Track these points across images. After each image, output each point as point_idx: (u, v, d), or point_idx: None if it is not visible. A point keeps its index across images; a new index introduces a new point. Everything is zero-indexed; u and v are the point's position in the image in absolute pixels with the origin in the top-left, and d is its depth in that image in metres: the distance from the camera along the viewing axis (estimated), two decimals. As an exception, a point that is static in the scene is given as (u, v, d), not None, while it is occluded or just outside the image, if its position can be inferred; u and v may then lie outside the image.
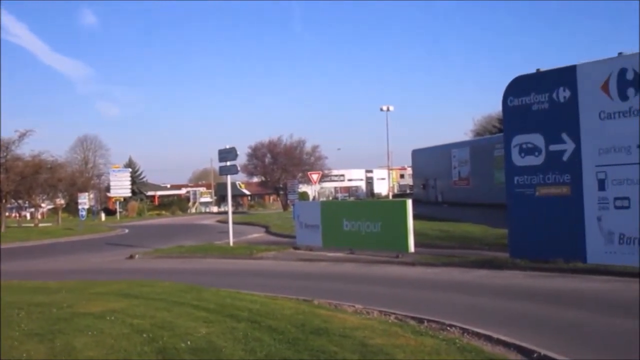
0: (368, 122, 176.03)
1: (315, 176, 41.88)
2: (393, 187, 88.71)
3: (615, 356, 8.56)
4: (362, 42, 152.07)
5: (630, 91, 15.15)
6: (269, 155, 69.46)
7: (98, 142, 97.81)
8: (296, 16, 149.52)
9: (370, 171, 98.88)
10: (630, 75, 15.16)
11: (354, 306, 12.04)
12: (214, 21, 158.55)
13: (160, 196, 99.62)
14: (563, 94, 16.47)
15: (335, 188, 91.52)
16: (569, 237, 16.32)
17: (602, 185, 15.73)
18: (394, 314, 11.15)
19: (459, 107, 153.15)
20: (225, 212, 41.29)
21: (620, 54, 15.78)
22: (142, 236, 40.71)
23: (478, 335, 9.43)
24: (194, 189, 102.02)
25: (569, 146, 16.40)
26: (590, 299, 12.72)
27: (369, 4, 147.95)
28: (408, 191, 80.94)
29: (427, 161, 61.27)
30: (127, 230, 48.95)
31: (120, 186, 79.21)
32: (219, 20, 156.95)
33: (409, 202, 20.74)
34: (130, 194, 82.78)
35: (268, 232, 37.89)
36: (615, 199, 15.50)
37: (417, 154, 65.65)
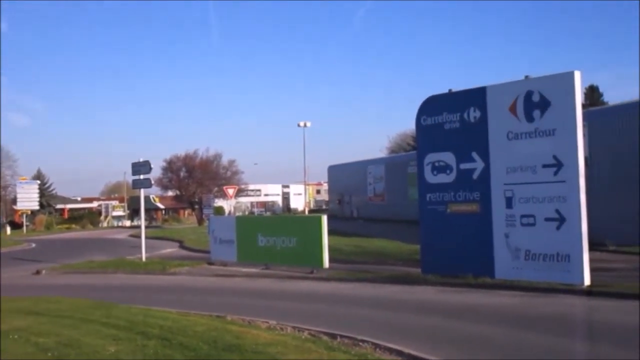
0: (285, 138, 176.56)
1: (231, 191, 41.62)
2: (309, 203, 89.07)
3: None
4: (280, 58, 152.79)
5: (536, 113, 15.77)
6: (184, 169, 68.57)
7: (5, 152, 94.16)
8: (214, 29, 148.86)
9: (287, 186, 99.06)
10: (536, 98, 15.78)
11: (267, 322, 12.00)
12: (128, 30, 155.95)
13: (71, 209, 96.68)
14: (473, 114, 16.99)
15: (251, 203, 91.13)
16: (478, 253, 16.77)
17: (509, 203, 16.27)
18: (308, 329, 11.17)
19: (374, 125, 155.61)
20: (138, 226, 40.45)
21: (527, 77, 16.41)
22: (50, 251, 39.34)
23: (390, 350, 9.55)
24: (106, 202, 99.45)
25: (478, 165, 16.90)
26: (498, 313, 13.08)
27: (286, 18, 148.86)
28: (324, 207, 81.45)
29: (343, 177, 61.89)
30: (34, 245, 47.19)
31: (28, 199, 76.31)
32: (134, 29, 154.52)
33: (324, 218, 20.86)
34: (38, 207, 79.92)
35: (182, 247, 37.31)
36: (522, 216, 16.05)
37: (333, 170, 66.24)
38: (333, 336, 10.58)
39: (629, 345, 9.75)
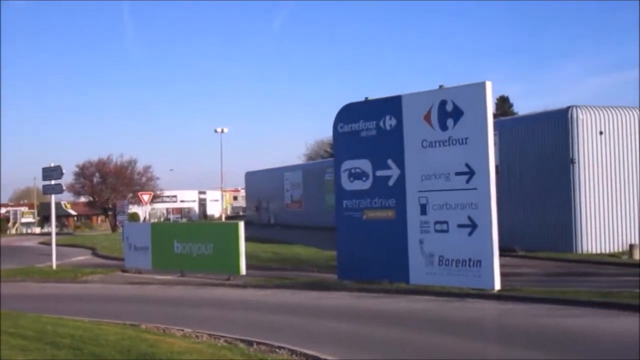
0: (202, 144, 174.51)
1: (146, 197, 40.83)
2: (226, 209, 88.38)
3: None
4: (196, 62, 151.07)
5: (450, 122, 16.16)
6: (97, 174, 66.88)
7: None
8: (128, 31, 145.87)
9: (204, 192, 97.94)
10: (449, 107, 16.18)
11: (182, 330, 11.84)
12: (40, 29, 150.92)
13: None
14: (389, 122, 17.27)
15: (167, 209, 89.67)
16: (393, 258, 17.04)
17: (424, 209, 16.60)
18: (224, 337, 11.08)
19: (292, 132, 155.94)
20: (49, 234, 39.17)
21: (441, 86, 16.81)
22: (-47, 259, 37.55)
23: (306, 356, 9.58)
24: (15, 208, 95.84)
25: (394, 172, 17.18)
26: (413, 317, 13.34)
27: (203, 21, 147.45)
28: (241, 213, 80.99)
29: (261, 183, 61.79)
30: None
31: None
32: (45, 28, 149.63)
33: (241, 224, 20.76)
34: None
35: (95, 254, 36.34)
36: (436, 222, 16.40)
37: (250, 176, 66.03)
38: (250, 343, 10.53)
39: (537, 347, 10.12)
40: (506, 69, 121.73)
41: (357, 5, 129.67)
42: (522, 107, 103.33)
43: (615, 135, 25.61)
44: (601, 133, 25.28)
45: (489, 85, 15.72)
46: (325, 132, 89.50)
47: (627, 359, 9.18)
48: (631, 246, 23.36)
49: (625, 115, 25.91)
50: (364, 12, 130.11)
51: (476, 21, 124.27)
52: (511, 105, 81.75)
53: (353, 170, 17.99)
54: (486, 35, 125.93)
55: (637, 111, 26.21)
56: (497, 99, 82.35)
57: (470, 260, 15.78)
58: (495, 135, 27.00)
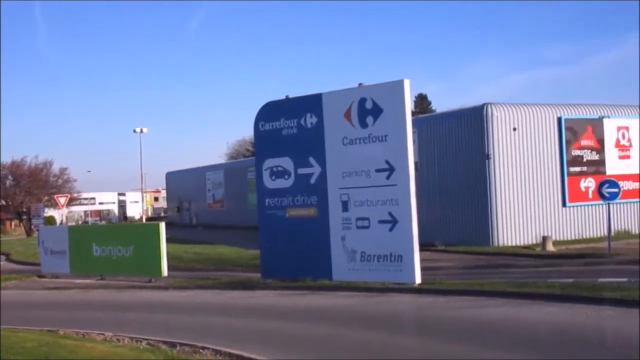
0: (121, 144, 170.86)
1: (62, 199, 39.66)
2: (147, 210, 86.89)
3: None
4: (114, 61, 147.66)
5: (369, 119, 16.38)
6: (10, 177, 64.60)
7: None
8: (41, 29, 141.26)
9: (123, 194, 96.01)
10: (369, 105, 16.40)
11: (103, 334, 11.59)
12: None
13: None
14: (310, 120, 17.37)
15: (85, 212, 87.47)
16: (316, 256, 17.14)
17: (345, 206, 16.78)
18: (146, 339, 10.91)
19: (213, 131, 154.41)
20: (-41, 240, 37.54)
21: (360, 84, 17.02)
22: None
23: (230, 355, 9.56)
24: None
25: (315, 170, 17.29)
26: (336, 313, 13.48)
27: (120, 18, 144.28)
28: (163, 214, 79.76)
29: (182, 184, 61.01)
30: None
31: None
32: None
33: (162, 225, 20.49)
34: None
35: (9, 260, 35.03)
36: (357, 219, 16.60)
37: (171, 176, 65.12)
38: (173, 345, 10.42)
39: (456, 338, 10.39)
40: (425, 67, 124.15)
41: (278, 3, 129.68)
42: (441, 104, 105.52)
43: (528, 131, 26.49)
44: (515, 129, 26.11)
45: (406, 83, 16.01)
46: (247, 130, 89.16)
47: (542, 347, 9.53)
48: (544, 238, 24.23)
49: (538, 112, 26.83)
50: (285, 10, 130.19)
51: (395, 20, 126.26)
52: (430, 103, 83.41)
53: (275, 169, 18.00)
54: (406, 34, 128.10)
55: (550, 108, 27.20)
56: (416, 97, 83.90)
57: (391, 255, 16.05)
58: (414, 132, 27.59)
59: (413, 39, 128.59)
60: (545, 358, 8.92)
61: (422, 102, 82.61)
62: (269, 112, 18.30)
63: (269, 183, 18.15)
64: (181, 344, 10.38)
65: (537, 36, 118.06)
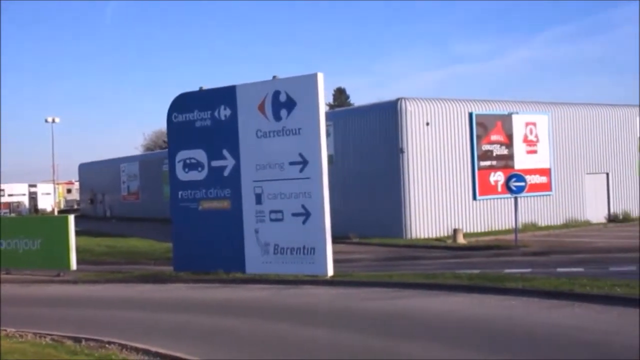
0: (32, 134, 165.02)
1: (-33, 191, 38.09)
2: (59, 203, 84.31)
3: (271, 357, 9.20)
4: (23, 50, 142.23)
5: (283, 112, 16.39)
6: None
7: None
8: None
9: (34, 185, 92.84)
10: (283, 98, 16.40)
11: (5, 330, 11.19)
12: None
13: None
14: (224, 112, 17.23)
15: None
16: (229, 248, 17.06)
17: (259, 199, 16.75)
18: (50, 335, 10.62)
19: (129, 122, 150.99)
20: None
21: (274, 77, 17.00)
22: None
23: (137, 349, 9.40)
24: None
25: (229, 162, 17.18)
26: (249, 306, 13.46)
27: (33, 6, 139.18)
28: (76, 206, 77.62)
29: (96, 175, 59.53)
30: None
31: None
32: None
33: (71, 218, 19.92)
34: None
35: None
36: (271, 212, 16.61)
37: (84, 168, 63.47)
38: (78, 340, 10.17)
39: (366, 328, 10.56)
40: (346, 62, 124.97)
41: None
42: (360, 98, 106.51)
43: (441, 126, 27.09)
44: (428, 124, 26.65)
45: (320, 77, 16.09)
46: (164, 122, 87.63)
47: (447, 336, 9.79)
48: (455, 230, 24.87)
49: (450, 108, 27.47)
50: (199, 1, 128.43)
51: (316, 14, 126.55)
52: (348, 97, 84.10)
53: (188, 161, 17.79)
54: (327, 29, 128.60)
55: (462, 104, 27.88)
56: (334, 91, 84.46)
57: (304, 247, 16.15)
58: (329, 125, 27.83)
59: (334, 34, 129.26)
60: (449, 346, 9.17)
61: (340, 95, 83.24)
62: (183, 103, 18.05)
63: (182, 175, 17.93)
64: (86, 339, 10.15)
65: (452, 33, 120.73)
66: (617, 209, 31.38)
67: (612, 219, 30.94)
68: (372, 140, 27.74)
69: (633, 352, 8.29)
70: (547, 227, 28.24)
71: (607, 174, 31.50)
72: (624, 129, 32.32)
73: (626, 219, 30.63)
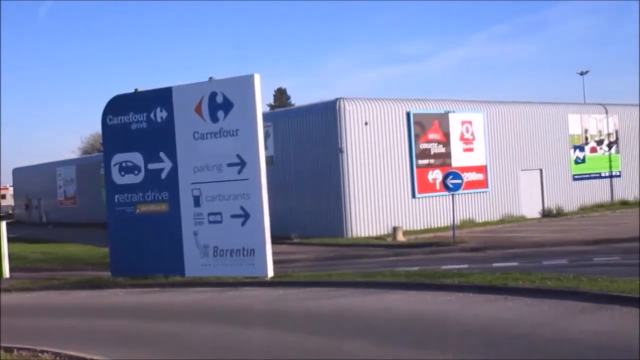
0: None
1: None
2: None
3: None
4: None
5: (220, 114, 16.30)
6: None
7: None
8: None
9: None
10: (220, 99, 16.31)
11: None
12: None
13: None
14: (160, 114, 17.03)
15: None
16: (168, 252, 16.86)
17: (197, 201, 16.62)
18: (-19, 345, 10.33)
19: (66, 125, 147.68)
20: None
21: (211, 78, 16.89)
22: None
23: (70, 357, 9.24)
24: None
25: (166, 165, 16.99)
26: (188, 310, 13.36)
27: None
28: (10, 212, 75.58)
29: (30, 180, 58.07)
30: None
31: None
32: None
33: (3, 224, 19.40)
34: None
35: None
36: (209, 214, 16.50)
37: (18, 172, 61.86)
38: (9, 350, 9.92)
39: (305, 328, 10.60)
40: (286, 61, 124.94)
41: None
42: (300, 98, 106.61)
43: (379, 125, 27.37)
44: (366, 124, 26.89)
45: (257, 78, 16.07)
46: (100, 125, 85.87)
47: (383, 333, 9.92)
48: (395, 228, 25.16)
49: (388, 107, 27.77)
50: (139, 1, 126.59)
51: (256, 14, 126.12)
52: (289, 97, 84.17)
53: (124, 164, 17.52)
54: (267, 28, 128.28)
55: (400, 103, 28.21)
56: (275, 91, 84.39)
57: (244, 249, 16.10)
58: (269, 126, 27.91)
59: (274, 34, 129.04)
60: (384, 344, 9.28)
61: (281, 96, 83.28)
62: (118, 105, 17.77)
63: (118, 179, 17.65)
64: (19, 348, 9.91)
65: (390, 33, 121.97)
66: (551, 203, 32.25)
67: (546, 213, 31.78)
68: (311, 140, 27.85)
69: (561, 343, 8.55)
70: (484, 223, 28.82)
71: (541, 170, 32.34)
72: (556, 126, 33.25)
73: (559, 213, 31.51)
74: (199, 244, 16.65)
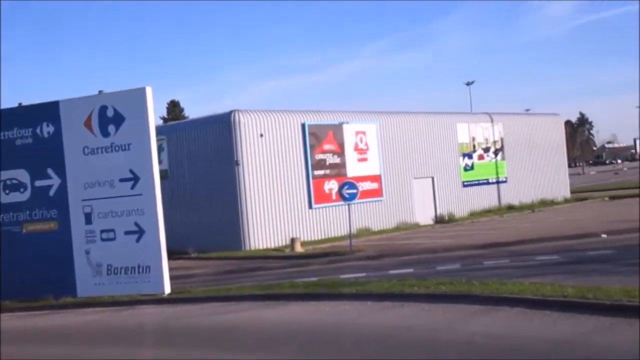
0: None
1: None
2: None
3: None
4: None
5: (111, 128, 15.87)
6: None
7: None
8: None
9: None
10: (110, 113, 15.89)
11: None
12: None
13: None
14: (47, 129, 16.40)
15: None
16: (58, 272, 16.18)
17: (89, 218, 16.08)
18: None
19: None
20: None
21: (100, 92, 16.44)
22: None
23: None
24: None
25: (55, 181, 16.35)
26: (82, 331, 12.89)
27: None
28: None
29: None
30: None
31: None
32: None
33: None
34: None
35: None
36: (102, 231, 16.00)
37: None
38: None
39: (201, 345, 10.43)
40: (179, 74, 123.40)
41: (12, 3, 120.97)
42: (195, 111, 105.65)
43: (275, 137, 27.40)
44: (261, 135, 26.87)
45: (149, 91, 15.77)
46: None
47: (282, 345, 9.91)
48: (292, 239, 25.22)
49: (283, 119, 27.86)
50: (20, 13, 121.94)
51: (146, 27, 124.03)
52: (182, 110, 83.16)
53: (8, 182, 16.72)
54: (157, 41, 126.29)
55: (294, 115, 28.36)
56: (168, 104, 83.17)
57: (139, 266, 15.71)
58: (162, 139, 27.45)
59: (167, 47, 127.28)
60: (284, 355, 9.28)
61: (175, 108, 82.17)
62: (2, 121, 16.96)
63: (3, 197, 16.79)
64: None
65: (283, 45, 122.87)
66: (443, 210, 33.23)
67: (438, 220, 32.71)
68: (207, 153, 27.56)
69: (456, 346, 8.80)
70: (380, 232, 29.34)
71: (433, 178, 33.29)
72: (446, 135, 34.35)
73: (451, 219, 32.50)
74: (91, 263, 16.11)
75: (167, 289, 15.62)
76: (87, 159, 16.11)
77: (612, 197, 39.86)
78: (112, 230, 15.94)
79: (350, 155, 29.58)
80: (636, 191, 39.47)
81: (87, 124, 16.07)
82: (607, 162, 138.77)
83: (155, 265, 15.61)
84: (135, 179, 15.76)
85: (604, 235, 21.20)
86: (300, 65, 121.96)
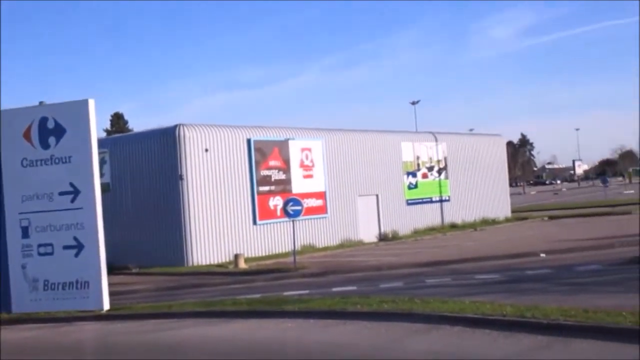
0: None
1: None
2: None
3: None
4: None
5: (52, 140, 15.55)
6: None
7: None
8: None
9: None
10: (51, 124, 15.56)
11: None
12: None
13: None
14: (-16, 140, 15.97)
15: None
16: (-7, 288, 15.75)
17: (25, 232, 15.67)
18: None
19: None
20: None
21: (41, 103, 16.11)
22: None
23: None
24: None
25: (-10, 193, 15.93)
26: (12, 350, 12.45)
27: None
28: None
29: None
30: None
31: None
32: None
33: None
34: None
35: None
36: (39, 245, 15.61)
37: None
38: None
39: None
40: (123, 86, 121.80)
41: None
42: (139, 124, 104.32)
43: (220, 152, 27.22)
44: (207, 150, 26.66)
45: (91, 103, 15.52)
46: None
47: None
48: (236, 256, 25.01)
49: (229, 134, 27.72)
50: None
51: (89, 40, 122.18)
52: (127, 122, 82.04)
53: None
54: (103, 54, 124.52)
55: (240, 130, 28.24)
56: (112, 116, 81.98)
57: (77, 282, 15.39)
58: (105, 152, 27.00)
59: (112, 59, 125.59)
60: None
61: (119, 121, 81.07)
62: None
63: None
64: None
65: (231, 58, 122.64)
66: (387, 228, 33.45)
67: (382, 237, 32.89)
68: (150, 167, 27.18)
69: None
70: (325, 248, 29.36)
71: (377, 196, 33.51)
72: (391, 153, 34.65)
73: (395, 237, 32.73)
74: (27, 278, 15.69)
75: (107, 305, 15.31)
76: (26, 171, 15.75)
77: (551, 217, 40.85)
78: (50, 245, 15.59)
79: (296, 172, 29.58)
80: (574, 212, 40.53)
81: (27, 135, 15.72)
82: (547, 182, 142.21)
83: (95, 281, 15.30)
84: (75, 192, 15.46)
85: (542, 255, 21.66)
86: (247, 79, 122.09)
